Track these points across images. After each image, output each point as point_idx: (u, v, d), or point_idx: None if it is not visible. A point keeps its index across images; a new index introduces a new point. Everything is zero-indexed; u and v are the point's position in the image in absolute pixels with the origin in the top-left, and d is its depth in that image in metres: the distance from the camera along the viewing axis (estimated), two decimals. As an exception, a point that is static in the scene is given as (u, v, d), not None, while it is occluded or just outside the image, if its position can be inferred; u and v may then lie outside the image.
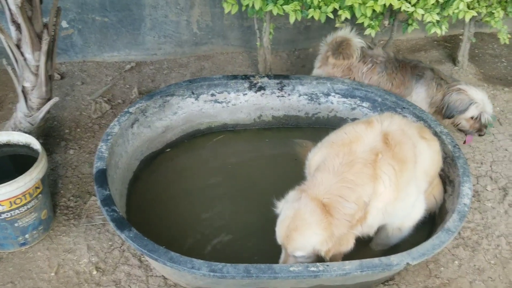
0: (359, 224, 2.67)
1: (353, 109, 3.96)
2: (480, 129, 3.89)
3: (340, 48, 3.94)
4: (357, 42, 3.98)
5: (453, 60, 5.19)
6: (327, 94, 3.93)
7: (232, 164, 3.81)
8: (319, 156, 2.80)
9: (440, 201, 3.32)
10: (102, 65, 4.85)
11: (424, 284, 3.21)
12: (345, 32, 4.01)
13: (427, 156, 2.89)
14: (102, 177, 2.90)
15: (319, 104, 3.98)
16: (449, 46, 5.48)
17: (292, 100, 3.96)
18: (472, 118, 3.85)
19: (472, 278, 3.25)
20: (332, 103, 3.96)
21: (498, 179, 3.95)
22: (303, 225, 2.55)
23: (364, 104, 3.89)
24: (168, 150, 3.82)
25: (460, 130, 4.03)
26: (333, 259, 2.66)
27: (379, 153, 2.62)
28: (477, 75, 5.10)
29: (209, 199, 3.52)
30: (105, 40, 4.77)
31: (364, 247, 3.18)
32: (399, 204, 2.71)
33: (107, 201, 2.77)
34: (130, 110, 3.40)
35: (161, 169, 3.66)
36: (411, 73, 3.95)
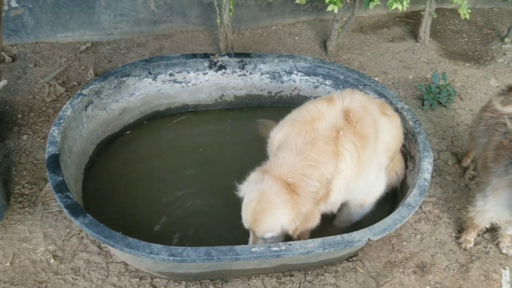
0: (323, 201, 2.64)
1: (316, 87, 3.91)
2: None
3: None
4: None
5: (415, 36, 5.19)
6: (290, 72, 3.87)
7: (193, 146, 3.72)
8: (281, 135, 2.75)
9: (402, 176, 3.33)
10: (56, 46, 4.63)
11: (387, 258, 3.23)
12: None
13: (388, 132, 2.87)
14: (54, 163, 2.77)
15: (282, 82, 3.91)
16: (411, 23, 5.48)
17: (254, 79, 3.88)
18: None
19: (434, 251, 3.30)
20: (295, 81, 3.91)
21: (459, 154, 4.00)
22: (270, 206, 2.50)
23: (326, 82, 3.85)
24: (127, 132, 3.69)
25: None
26: (300, 236, 2.64)
27: (340, 130, 2.58)
28: (438, 51, 5.12)
29: (170, 182, 3.44)
30: (58, 20, 4.55)
31: (328, 225, 3.18)
32: (361, 181, 2.70)
33: (60, 187, 2.65)
34: (84, 92, 3.25)
35: (119, 153, 3.54)
36: None
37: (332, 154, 2.55)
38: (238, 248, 2.48)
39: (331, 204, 2.72)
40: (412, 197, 2.84)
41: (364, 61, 4.87)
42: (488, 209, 3.00)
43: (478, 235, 3.38)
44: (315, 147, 2.54)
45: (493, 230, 3.35)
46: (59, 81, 4.21)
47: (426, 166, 3.02)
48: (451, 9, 5.70)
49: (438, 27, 5.52)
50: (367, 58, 4.91)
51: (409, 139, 3.33)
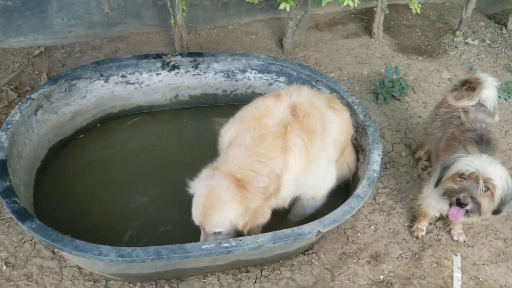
0: (273, 196, 2.68)
1: (270, 84, 3.95)
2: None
3: None
4: None
5: (369, 32, 5.28)
6: (244, 71, 3.90)
7: (148, 147, 3.71)
8: (231, 132, 2.78)
9: (353, 169, 3.40)
10: (9, 52, 4.55)
11: (341, 250, 3.29)
12: None
13: (336, 125, 2.93)
14: (1, 168, 2.73)
15: (236, 81, 3.94)
16: (365, 19, 5.58)
17: (208, 78, 3.90)
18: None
19: (388, 241, 3.38)
20: (249, 79, 3.94)
21: (412, 145, 4.10)
22: (219, 202, 2.54)
23: (280, 79, 3.89)
24: (80, 136, 3.65)
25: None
26: (251, 232, 2.67)
27: (288, 125, 2.62)
28: (392, 46, 5.24)
29: (125, 184, 3.43)
30: (10, 24, 4.47)
31: (283, 220, 3.22)
32: (311, 174, 2.74)
33: (7, 193, 2.62)
34: (33, 96, 3.21)
35: (72, 157, 3.51)
36: None
37: (280, 149, 2.59)
38: (188, 246, 2.49)
39: (282, 199, 2.76)
40: (361, 188, 2.90)
41: (320, 57, 4.94)
42: (429, 195, 3.10)
43: (430, 224, 3.47)
44: (264, 142, 2.58)
45: (445, 219, 3.44)
46: (12, 87, 4.14)
47: (375, 157, 3.09)
48: (404, 5, 5.81)
49: (392, 22, 5.64)
50: (322, 54, 4.98)
51: (360, 132, 3.40)
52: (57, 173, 3.38)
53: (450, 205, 2.77)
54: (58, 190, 3.28)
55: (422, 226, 3.37)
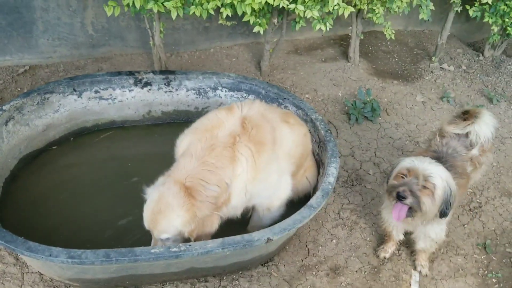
0: (225, 205, 2.76)
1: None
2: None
3: None
4: None
5: (347, 57, 5.44)
6: (215, 88, 4.03)
7: (120, 160, 3.81)
8: (185, 142, 2.89)
9: (314, 182, 3.47)
10: (-6, 70, 4.73)
11: (301, 262, 3.34)
12: None
13: (289, 139, 3.03)
14: (-36, 173, 2.84)
15: (208, 98, 4.07)
16: (344, 44, 5.75)
17: (180, 95, 4.03)
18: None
19: (348, 255, 3.42)
20: (220, 97, 4.07)
21: (380, 163, 4.18)
22: (166, 207, 2.62)
23: (250, 97, 4.01)
24: (54, 147, 3.77)
25: None
26: (199, 239, 2.73)
27: (236, 136, 2.73)
28: (368, 70, 5.38)
29: (94, 197, 3.50)
30: (-4, 44, 4.67)
31: (242, 231, 3.28)
32: (260, 184, 2.83)
33: (-33, 197, 2.71)
34: (4, 107, 3.35)
35: (43, 168, 3.61)
36: None
37: (229, 159, 2.69)
38: (138, 249, 2.56)
39: (233, 208, 2.84)
40: (315, 199, 2.97)
41: (296, 80, 5.08)
42: (385, 207, 3.17)
43: (398, 250, 3.49)
44: (213, 152, 2.69)
45: (410, 245, 3.46)
46: (-7, 102, 4.30)
47: (332, 170, 3.17)
48: (382, 32, 5.97)
49: (370, 48, 5.81)
50: (299, 77, 5.13)
51: (321, 147, 3.49)
52: (27, 183, 3.47)
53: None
54: (26, 198, 3.37)
55: (388, 248, 3.40)
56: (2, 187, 3.31)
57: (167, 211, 2.60)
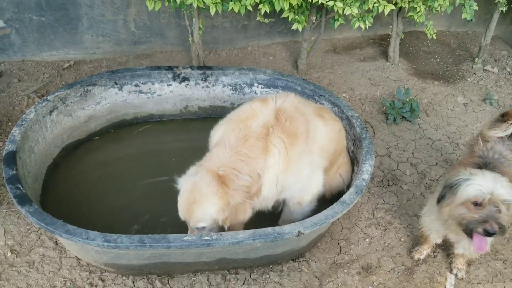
0: (256, 196, 2.78)
1: (277, 99, 4.08)
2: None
3: None
4: None
5: (386, 56, 5.37)
6: (251, 85, 4.06)
7: (157, 154, 3.89)
8: (219, 133, 2.93)
9: (347, 180, 3.44)
10: (41, 64, 4.93)
11: (333, 260, 3.32)
12: None
13: (323, 133, 3.01)
14: (10, 159, 2.97)
15: (244, 94, 4.10)
16: (384, 44, 5.68)
17: (217, 91, 4.08)
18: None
19: (381, 254, 3.37)
20: (256, 93, 4.09)
21: (418, 165, 4.10)
22: (201, 196, 2.66)
23: (286, 94, 4.02)
24: (96, 138, 3.89)
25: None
26: (232, 228, 2.76)
27: (270, 127, 2.74)
28: (408, 70, 5.29)
29: (131, 188, 3.59)
30: (43, 39, 4.86)
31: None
32: (292, 176, 2.83)
33: (12, 180, 2.84)
34: (49, 98, 3.48)
35: (83, 158, 3.73)
36: None
37: (262, 150, 2.71)
38: (171, 236, 2.61)
39: (265, 199, 2.85)
40: (348, 195, 2.95)
41: (333, 79, 5.05)
42: (426, 213, 3.09)
43: (433, 252, 3.40)
44: (247, 143, 2.71)
45: (447, 249, 3.39)
46: (39, 94, 4.48)
47: (366, 167, 3.14)
48: (424, 32, 5.87)
49: (411, 48, 5.71)
50: (337, 76, 5.10)
51: (356, 145, 3.46)
52: (68, 171, 3.60)
53: (468, 234, 2.66)
54: (67, 186, 3.49)
55: (423, 250, 3.32)
56: (45, 174, 3.44)
57: (201, 200, 2.64)
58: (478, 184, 2.55)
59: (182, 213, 2.74)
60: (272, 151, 2.71)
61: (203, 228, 2.74)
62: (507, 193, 2.51)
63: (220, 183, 2.64)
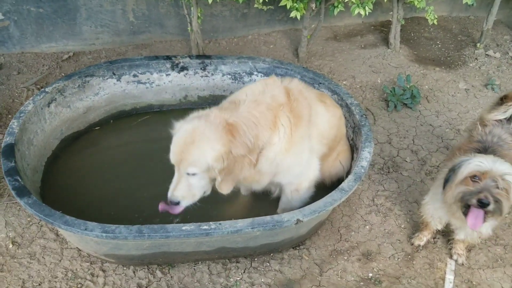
0: (252, 166, 2.70)
1: (277, 87, 4.06)
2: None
3: None
4: None
5: (387, 43, 5.32)
6: (250, 73, 4.04)
7: (157, 144, 3.83)
8: (230, 98, 2.88)
9: (347, 167, 3.43)
10: (40, 56, 4.92)
11: (333, 247, 3.32)
12: None
13: (324, 119, 3.00)
14: (9, 151, 2.98)
15: (243, 83, 4.08)
16: (385, 31, 5.63)
17: (216, 80, 4.07)
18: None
19: (381, 241, 3.37)
20: (255, 82, 4.06)
21: (418, 151, 4.08)
22: (202, 138, 2.51)
23: (285, 82, 4.00)
24: (97, 128, 3.89)
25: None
26: (224, 184, 2.63)
27: (281, 104, 2.72)
28: (409, 56, 5.25)
29: (131, 178, 3.59)
30: (42, 31, 4.85)
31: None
32: (291, 159, 2.80)
33: (11, 172, 2.85)
34: (47, 89, 3.48)
35: (83, 149, 3.74)
36: None
37: (270, 123, 2.65)
38: (169, 226, 2.61)
39: (258, 173, 2.78)
40: (347, 182, 2.94)
41: (334, 66, 5.02)
42: (428, 202, 3.07)
43: (434, 238, 3.40)
44: (258, 107, 2.66)
45: (447, 234, 3.38)
46: (38, 86, 4.48)
47: (365, 155, 3.13)
48: (425, 18, 5.81)
49: (412, 34, 5.66)
50: (338, 63, 5.06)
51: (356, 132, 3.45)
52: (67, 163, 3.60)
53: (465, 213, 2.63)
54: (67, 177, 3.50)
55: (423, 236, 3.31)
56: (44, 166, 3.45)
57: (202, 142, 2.49)
58: (478, 161, 2.54)
59: (175, 155, 2.58)
60: (279, 128, 2.67)
61: (194, 175, 2.58)
62: (505, 168, 2.49)
63: (227, 131, 2.51)
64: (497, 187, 2.48)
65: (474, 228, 2.61)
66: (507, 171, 2.47)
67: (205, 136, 2.50)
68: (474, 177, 2.54)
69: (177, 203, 2.68)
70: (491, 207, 2.49)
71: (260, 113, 2.64)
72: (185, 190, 2.65)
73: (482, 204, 2.49)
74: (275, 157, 2.74)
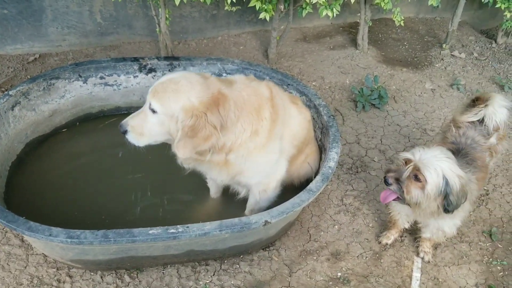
0: (223, 151, 2.66)
1: (246, 89, 4.07)
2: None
3: None
4: None
5: (356, 44, 5.39)
6: (219, 75, 4.02)
7: (124, 147, 3.80)
8: None
9: (315, 168, 3.46)
10: (5, 58, 4.80)
11: (303, 248, 3.34)
12: None
13: (296, 121, 3.02)
14: (-30, 156, 2.91)
15: (213, 85, 4.06)
16: (353, 32, 5.70)
17: (185, 82, 4.04)
18: None
19: (350, 240, 3.41)
20: (224, 83, 4.06)
21: (386, 151, 4.15)
22: (186, 85, 2.45)
23: (254, 83, 4.00)
24: (63, 130, 3.82)
25: None
26: (181, 144, 2.49)
27: (266, 98, 2.72)
28: (377, 57, 5.33)
29: (99, 182, 3.54)
30: (7, 32, 4.73)
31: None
32: (262, 157, 2.78)
33: (-28, 178, 2.78)
34: (10, 92, 3.40)
35: (49, 153, 3.66)
36: None
37: (255, 111, 2.63)
38: (136, 230, 2.58)
39: (227, 163, 2.73)
40: (315, 183, 2.96)
41: (304, 67, 5.06)
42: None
43: (401, 237, 3.46)
44: (248, 89, 2.67)
45: (414, 233, 3.44)
46: (3, 89, 4.37)
47: (333, 155, 3.16)
48: (393, 19, 5.91)
49: (380, 35, 5.75)
50: (307, 65, 5.10)
51: (324, 133, 3.48)
52: (33, 167, 3.53)
53: None
54: (32, 182, 3.42)
55: (391, 234, 3.37)
56: (9, 170, 3.37)
57: (183, 87, 2.42)
58: (415, 150, 2.69)
59: (153, 87, 2.51)
60: (262, 120, 2.66)
61: (154, 112, 2.50)
62: (430, 166, 2.57)
63: (214, 98, 2.44)
64: (405, 173, 2.64)
65: (382, 201, 2.82)
66: (428, 165, 2.58)
67: (190, 85, 2.45)
68: (403, 162, 2.71)
69: (125, 132, 2.64)
70: (392, 187, 2.71)
71: (249, 96, 2.63)
72: (138, 123, 2.60)
73: (386, 182, 2.73)
74: (248, 149, 2.68)
